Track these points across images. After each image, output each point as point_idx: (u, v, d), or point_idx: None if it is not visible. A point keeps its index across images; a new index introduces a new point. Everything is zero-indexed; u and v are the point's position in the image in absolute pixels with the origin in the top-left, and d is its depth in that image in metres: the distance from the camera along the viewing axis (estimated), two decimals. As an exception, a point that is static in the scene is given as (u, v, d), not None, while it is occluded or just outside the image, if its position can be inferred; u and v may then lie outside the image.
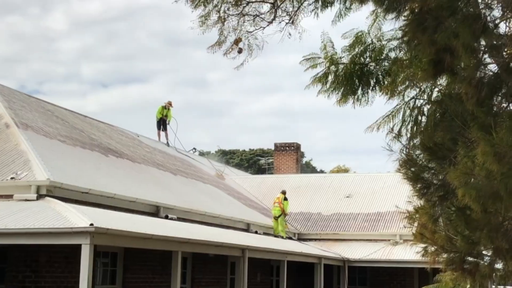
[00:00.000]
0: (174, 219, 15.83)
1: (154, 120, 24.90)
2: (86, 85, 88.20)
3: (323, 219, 24.96)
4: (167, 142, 25.19)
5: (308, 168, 55.72)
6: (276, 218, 21.83)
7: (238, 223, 19.93)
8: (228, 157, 56.23)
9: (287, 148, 31.52)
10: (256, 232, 20.63)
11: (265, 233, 21.21)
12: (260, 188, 27.92)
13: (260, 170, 49.08)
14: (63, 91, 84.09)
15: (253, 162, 54.84)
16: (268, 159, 45.85)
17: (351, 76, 7.79)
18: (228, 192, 23.96)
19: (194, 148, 27.86)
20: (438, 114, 7.13)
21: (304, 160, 58.02)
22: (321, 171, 56.59)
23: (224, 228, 18.45)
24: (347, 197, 26.05)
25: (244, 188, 27.39)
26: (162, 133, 25.10)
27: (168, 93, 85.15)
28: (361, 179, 27.64)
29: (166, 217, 15.67)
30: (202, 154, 39.38)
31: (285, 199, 22.07)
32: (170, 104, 24.80)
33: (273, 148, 33.37)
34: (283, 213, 21.81)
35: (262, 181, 29.13)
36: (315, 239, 23.93)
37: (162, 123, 24.82)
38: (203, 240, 13.84)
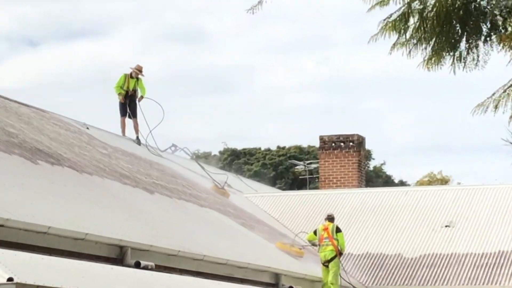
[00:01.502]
0: (151, 268, 15.73)
1: (115, 101, 24.97)
2: (2, 43, 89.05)
3: (405, 264, 25.16)
4: (137, 137, 25.20)
5: (378, 179, 55.67)
6: (326, 263, 21.65)
7: (262, 273, 20.02)
8: (242, 161, 56.38)
9: (341, 144, 31.48)
10: (291, 289, 20.57)
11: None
12: (296, 212, 28.08)
13: (296, 182, 49.13)
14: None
15: (284, 168, 54.96)
16: (310, 163, 45.89)
17: (449, 19, 7.76)
18: (242, 220, 23.95)
19: (174, 145, 27.28)
20: None
21: (372, 164, 57.97)
22: (401, 183, 56.58)
23: (237, 283, 18.39)
24: (446, 226, 26.19)
25: (269, 214, 27.38)
26: (129, 122, 25.07)
27: (138, 53, 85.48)
28: (469, 196, 27.80)
29: (137, 266, 15.58)
30: (194, 154, 39.19)
31: (338, 230, 21.91)
32: (139, 70, 24.77)
33: (317, 145, 33.33)
34: (338, 253, 21.65)
35: (299, 201, 29.24)
36: (393, 298, 23.97)
37: (128, 105, 24.71)
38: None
